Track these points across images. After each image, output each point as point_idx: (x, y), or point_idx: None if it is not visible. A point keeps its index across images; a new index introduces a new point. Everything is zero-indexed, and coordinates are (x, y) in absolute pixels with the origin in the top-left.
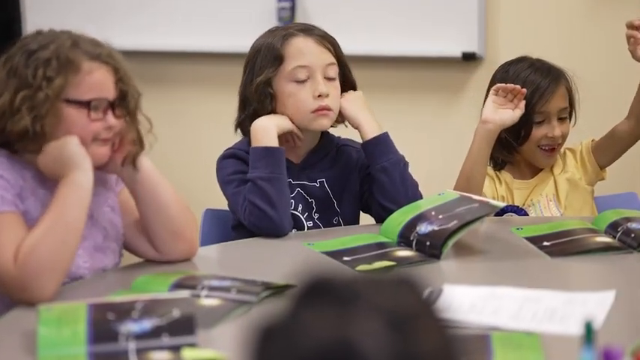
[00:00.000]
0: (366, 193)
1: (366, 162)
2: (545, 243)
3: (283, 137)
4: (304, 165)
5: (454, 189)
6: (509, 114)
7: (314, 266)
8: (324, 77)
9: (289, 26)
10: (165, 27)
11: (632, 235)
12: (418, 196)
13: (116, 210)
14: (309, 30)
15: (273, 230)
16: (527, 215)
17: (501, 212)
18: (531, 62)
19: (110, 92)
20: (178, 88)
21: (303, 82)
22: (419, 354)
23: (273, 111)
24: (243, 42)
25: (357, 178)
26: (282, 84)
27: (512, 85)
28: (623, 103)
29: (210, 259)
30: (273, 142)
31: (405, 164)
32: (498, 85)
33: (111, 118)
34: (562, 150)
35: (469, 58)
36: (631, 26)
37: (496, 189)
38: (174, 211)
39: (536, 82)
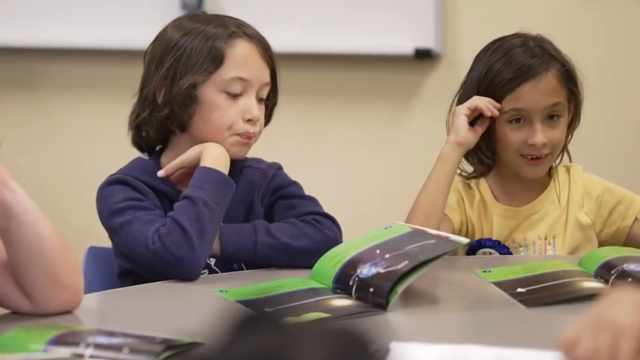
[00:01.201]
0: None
1: (273, 185)
2: (520, 289)
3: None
4: None
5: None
6: (477, 134)
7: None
8: (256, 97)
9: (224, 20)
10: (38, 18)
11: (630, 280)
12: (298, 235)
13: None
14: (247, 30)
15: (187, 265)
16: (511, 254)
17: (477, 246)
18: (523, 41)
19: None
20: (55, 94)
21: (234, 96)
22: None
23: (189, 120)
24: (138, 35)
25: (261, 208)
26: (210, 92)
27: (493, 106)
28: (604, 103)
29: (96, 309)
30: (226, 173)
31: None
32: (475, 102)
33: None
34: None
35: (423, 55)
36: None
37: (465, 211)
38: (56, 253)
39: (511, 68)
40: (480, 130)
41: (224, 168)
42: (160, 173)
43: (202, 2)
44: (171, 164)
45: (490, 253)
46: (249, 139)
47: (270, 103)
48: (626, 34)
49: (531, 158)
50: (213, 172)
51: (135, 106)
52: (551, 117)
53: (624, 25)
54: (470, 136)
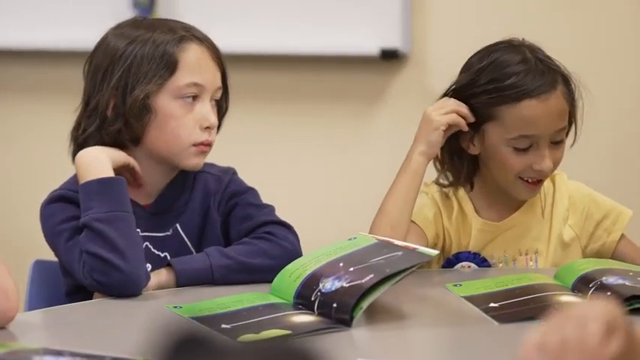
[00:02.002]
0: (233, 236)
1: (229, 192)
2: (492, 304)
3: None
4: (156, 208)
5: None
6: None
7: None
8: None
9: (169, 24)
10: None
11: (609, 294)
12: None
13: None
14: (196, 33)
15: (125, 286)
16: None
17: (455, 261)
18: (524, 57)
19: None
20: (3, 97)
21: (189, 103)
22: None
23: (143, 132)
24: (87, 35)
25: (217, 216)
26: (164, 100)
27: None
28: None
29: (43, 326)
30: (108, 173)
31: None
32: (454, 118)
33: None
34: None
35: (390, 56)
36: None
37: (442, 224)
38: None
39: (516, 91)
40: (444, 137)
41: (98, 168)
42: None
43: (154, 2)
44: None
45: (469, 267)
46: (207, 147)
47: (221, 109)
48: (597, 33)
49: (531, 182)
50: (89, 184)
51: (79, 120)
52: (556, 142)
53: (594, 25)
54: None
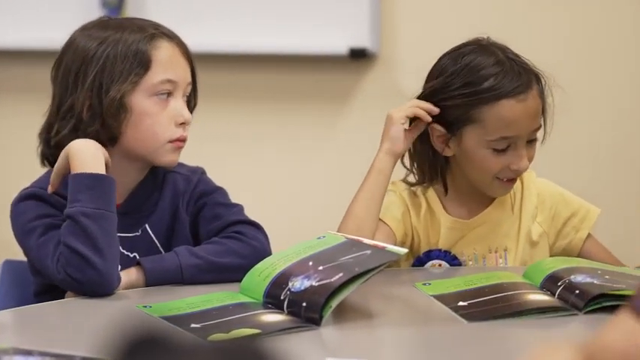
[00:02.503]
0: (202, 236)
1: (198, 192)
2: (461, 303)
3: None
4: (127, 207)
5: None
6: (410, 140)
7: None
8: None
9: (137, 23)
10: None
11: (577, 292)
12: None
13: None
14: (164, 30)
15: (98, 285)
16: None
17: (425, 259)
18: (497, 58)
19: None
20: None
21: (163, 100)
22: None
23: (120, 131)
24: (56, 35)
25: (186, 216)
26: (139, 98)
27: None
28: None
29: (12, 326)
30: (101, 170)
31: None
32: (414, 110)
33: None
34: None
35: (359, 55)
36: None
37: (411, 222)
38: None
39: (495, 93)
40: (412, 136)
41: (93, 162)
42: (50, 190)
43: (123, 1)
44: (52, 177)
45: (440, 265)
46: (182, 143)
47: (190, 105)
48: (596, 33)
49: (507, 180)
50: (81, 177)
51: (50, 121)
52: (530, 140)
53: (592, 24)
54: (405, 145)
